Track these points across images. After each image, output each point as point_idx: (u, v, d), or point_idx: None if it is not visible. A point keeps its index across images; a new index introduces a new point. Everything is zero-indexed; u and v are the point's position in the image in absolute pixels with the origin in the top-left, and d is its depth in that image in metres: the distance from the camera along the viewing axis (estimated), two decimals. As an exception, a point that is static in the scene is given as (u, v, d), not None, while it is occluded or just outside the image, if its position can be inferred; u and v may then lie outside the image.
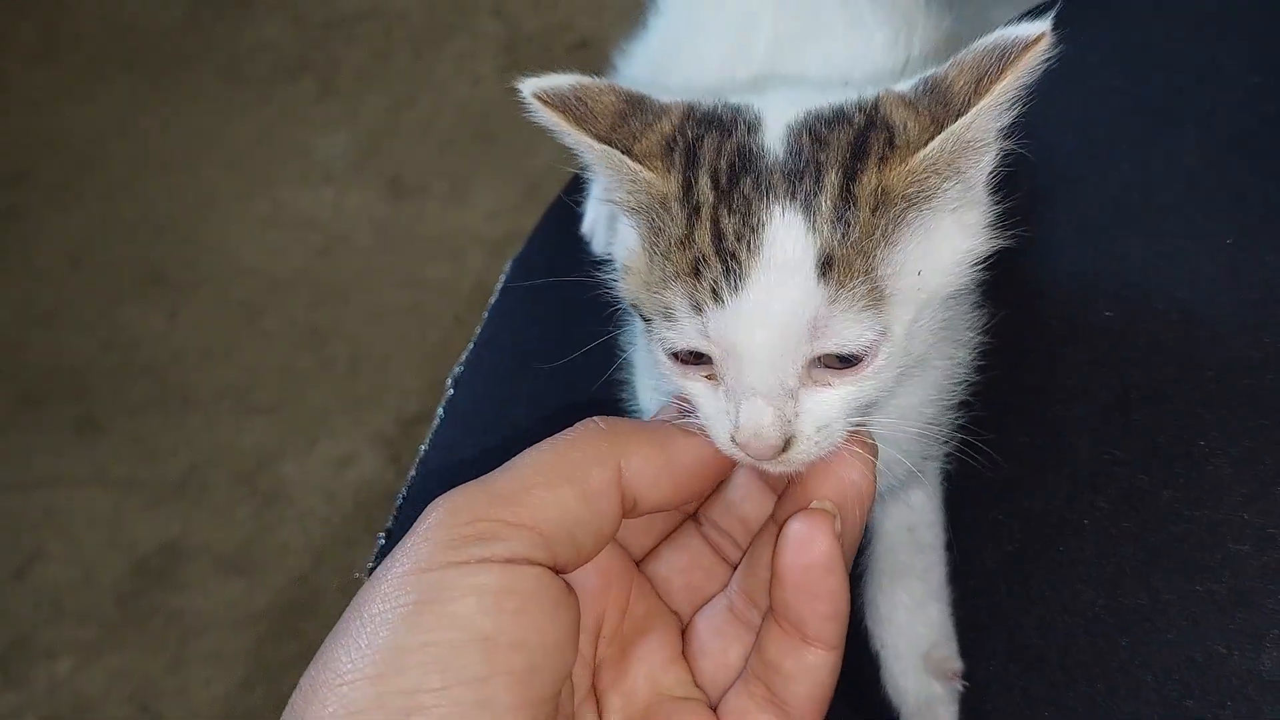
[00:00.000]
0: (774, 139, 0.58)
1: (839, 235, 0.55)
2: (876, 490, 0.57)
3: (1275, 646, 0.58)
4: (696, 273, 0.56)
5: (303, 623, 1.72)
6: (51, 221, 2.11)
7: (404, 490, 0.85)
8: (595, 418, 0.55)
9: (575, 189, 0.94)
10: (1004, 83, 0.56)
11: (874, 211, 0.56)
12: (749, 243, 0.55)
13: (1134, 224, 0.72)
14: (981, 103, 0.56)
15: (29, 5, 2.33)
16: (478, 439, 0.85)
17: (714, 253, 0.56)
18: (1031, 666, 0.66)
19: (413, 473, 0.87)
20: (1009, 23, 0.58)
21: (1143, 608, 0.62)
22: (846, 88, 0.62)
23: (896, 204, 0.56)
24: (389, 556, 0.50)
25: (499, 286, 0.94)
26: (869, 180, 0.56)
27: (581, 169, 0.69)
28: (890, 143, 0.57)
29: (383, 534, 0.84)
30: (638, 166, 0.59)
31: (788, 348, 0.56)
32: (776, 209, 0.56)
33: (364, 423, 1.87)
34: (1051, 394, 0.69)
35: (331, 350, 1.94)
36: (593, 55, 2.05)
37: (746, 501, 0.60)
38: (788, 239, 0.55)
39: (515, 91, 0.60)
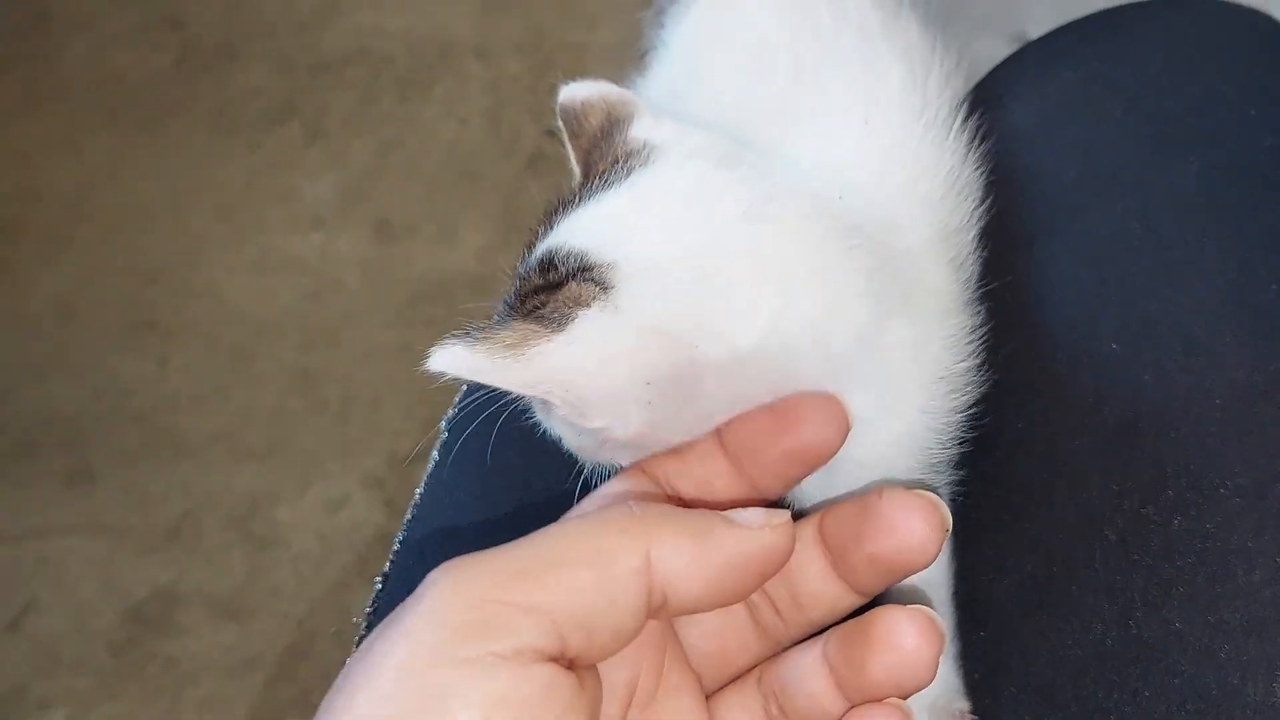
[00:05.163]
0: (548, 244, 0.58)
1: None
2: None
3: (1289, 676, 0.58)
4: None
5: (299, 667, 1.71)
6: (41, 273, 2.10)
7: (400, 534, 0.85)
8: (631, 501, 0.51)
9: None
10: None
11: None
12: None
13: (1136, 252, 0.72)
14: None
15: (12, 60, 2.33)
16: (471, 483, 0.84)
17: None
18: (1044, 700, 0.65)
19: (409, 515, 0.86)
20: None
21: (1154, 639, 0.62)
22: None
23: None
24: (384, 627, 0.47)
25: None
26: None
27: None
28: (531, 314, 0.55)
29: (380, 578, 0.83)
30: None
31: None
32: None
33: (356, 464, 1.86)
34: (1057, 425, 0.69)
35: (323, 393, 1.93)
36: (578, 93, 2.05)
37: (799, 572, 0.58)
38: None
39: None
